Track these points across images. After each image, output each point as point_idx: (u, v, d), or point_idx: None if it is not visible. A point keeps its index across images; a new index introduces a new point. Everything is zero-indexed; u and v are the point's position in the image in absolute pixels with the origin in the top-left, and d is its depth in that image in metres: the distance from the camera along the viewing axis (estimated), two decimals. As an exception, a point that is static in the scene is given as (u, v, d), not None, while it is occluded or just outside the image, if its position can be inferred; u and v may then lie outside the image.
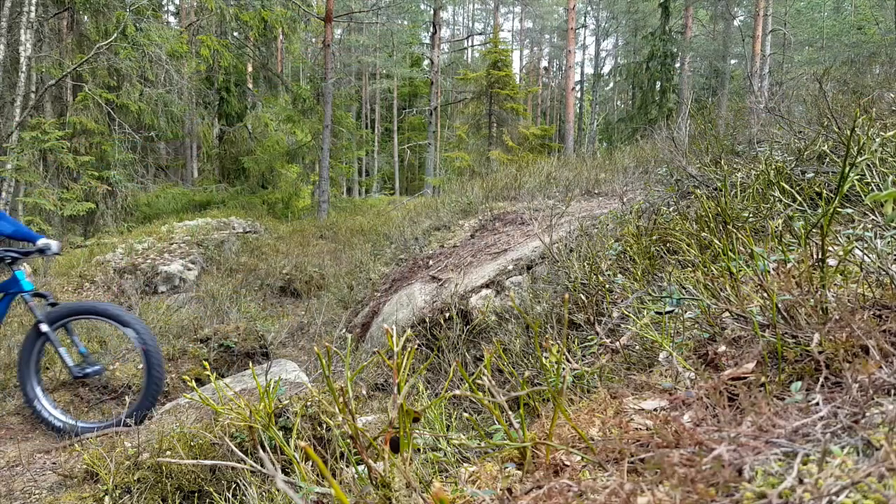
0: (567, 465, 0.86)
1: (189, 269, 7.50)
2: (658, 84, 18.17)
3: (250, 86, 16.53)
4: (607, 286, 1.88)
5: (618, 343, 1.45)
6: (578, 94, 31.78)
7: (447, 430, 1.50)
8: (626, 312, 1.59)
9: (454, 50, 30.58)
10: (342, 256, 8.22)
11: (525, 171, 6.66)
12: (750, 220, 1.77)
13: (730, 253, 1.29)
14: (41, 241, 2.93)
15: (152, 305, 6.08)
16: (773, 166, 2.06)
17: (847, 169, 1.10)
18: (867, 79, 4.67)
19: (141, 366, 2.95)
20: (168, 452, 1.98)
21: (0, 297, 2.93)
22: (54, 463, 2.43)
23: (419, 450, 1.21)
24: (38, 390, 2.89)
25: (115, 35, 9.81)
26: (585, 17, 31.85)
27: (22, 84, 9.31)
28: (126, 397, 3.08)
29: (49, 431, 2.82)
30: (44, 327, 2.82)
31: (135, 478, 1.95)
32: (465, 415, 1.20)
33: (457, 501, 0.83)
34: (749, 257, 1.26)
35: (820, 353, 0.86)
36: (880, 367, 0.78)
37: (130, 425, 2.56)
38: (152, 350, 2.79)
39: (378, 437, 0.91)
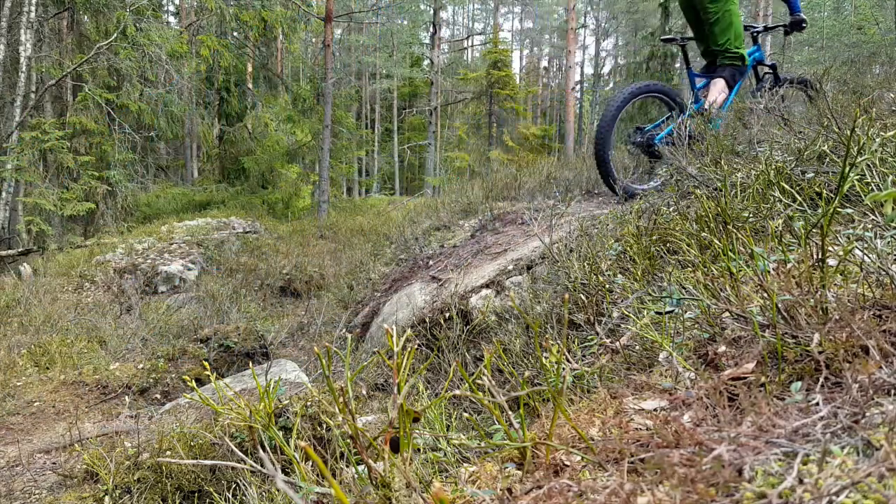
0: (567, 465, 0.86)
1: (189, 269, 7.50)
2: (658, 84, 18.16)
3: (250, 86, 16.52)
4: (607, 286, 1.88)
5: (618, 343, 1.45)
6: (578, 95, 31.77)
7: (447, 430, 1.50)
8: (626, 312, 1.59)
9: (454, 50, 30.57)
10: (342, 256, 8.22)
11: (525, 171, 6.65)
12: (750, 220, 1.77)
13: (730, 253, 1.29)
14: None
15: (152, 305, 6.08)
16: (773, 166, 2.06)
17: (847, 169, 1.10)
18: (867, 79, 4.67)
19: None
20: (168, 452, 1.98)
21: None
22: (54, 463, 2.43)
23: (419, 450, 1.21)
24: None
25: (115, 35, 9.82)
26: (585, 17, 31.87)
27: (22, 84, 9.31)
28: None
29: None
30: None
31: (135, 478, 1.95)
32: (465, 415, 1.19)
33: (457, 501, 0.83)
34: (749, 257, 1.26)
35: (820, 353, 0.86)
36: (880, 367, 0.78)
37: None
38: None
39: (378, 437, 0.91)
